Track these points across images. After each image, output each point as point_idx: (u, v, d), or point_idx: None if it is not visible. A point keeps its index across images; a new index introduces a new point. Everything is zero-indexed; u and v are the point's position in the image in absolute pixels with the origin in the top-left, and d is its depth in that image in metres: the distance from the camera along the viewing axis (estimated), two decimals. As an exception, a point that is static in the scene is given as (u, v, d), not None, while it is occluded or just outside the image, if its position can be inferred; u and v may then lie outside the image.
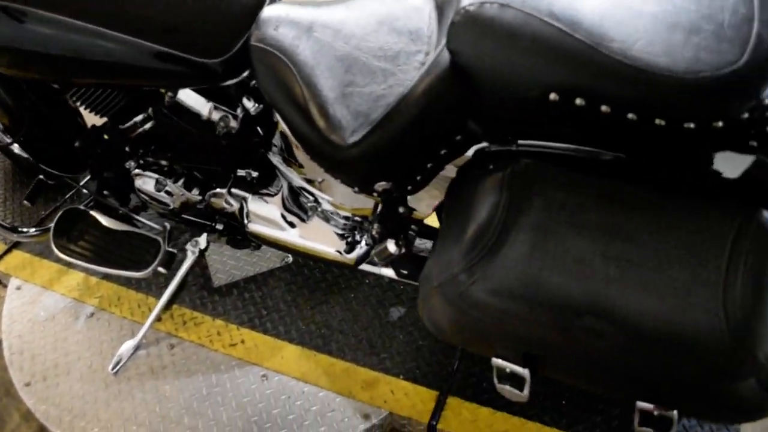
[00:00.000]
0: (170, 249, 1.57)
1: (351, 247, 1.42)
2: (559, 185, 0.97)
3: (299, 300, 1.70)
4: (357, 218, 1.41)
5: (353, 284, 1.73)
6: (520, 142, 1.03)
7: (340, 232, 1.44)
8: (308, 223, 1.44)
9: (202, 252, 1.60)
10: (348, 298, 1.70)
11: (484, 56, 0.93)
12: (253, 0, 1.27)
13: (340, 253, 1.42)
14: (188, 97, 1.32)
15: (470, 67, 0.95)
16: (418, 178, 1.13)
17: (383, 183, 1.14)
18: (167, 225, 1.61)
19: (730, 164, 0.95)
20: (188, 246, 1.60)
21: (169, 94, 1.32)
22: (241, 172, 1.47)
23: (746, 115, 0.86)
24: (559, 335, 0.93)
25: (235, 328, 1.66)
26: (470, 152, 1.10)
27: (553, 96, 0.90)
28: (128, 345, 1.60)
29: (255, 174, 1.45)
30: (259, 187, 1.46)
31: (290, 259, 1.80)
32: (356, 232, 1.42)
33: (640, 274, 0.91)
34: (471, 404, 1.48)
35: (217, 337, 1.64)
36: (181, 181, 1.52)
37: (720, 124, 0.86)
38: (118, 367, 1.59)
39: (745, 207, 0.92)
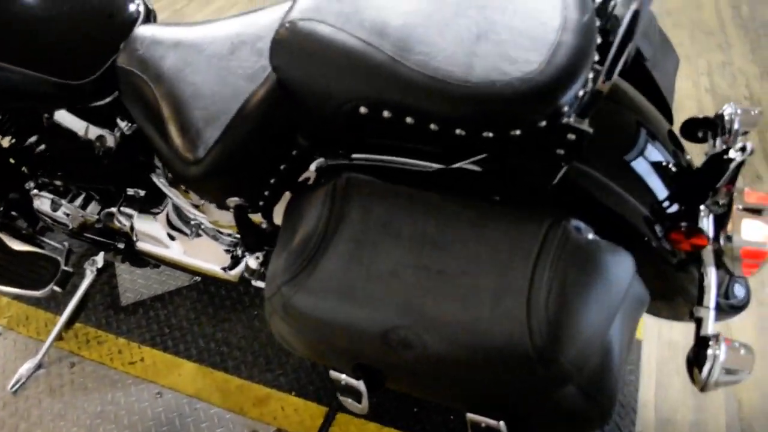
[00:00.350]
0: (67, 268, 1.58)
1: (235, 263, 1.43)
2: (377, 197, 0.98)
3: (202, 318, 1.71)
4: (238, 235, 1.42)
5: (257, 302, 1.74)
6: (354, 156, 1.05)
7: (226, 248, 1.45)
8: (194, 241, 1.46)
9: (100, 271, 1.62)
10: (251, 316, 1.71)
11: (301, 72, 0.95)
12: (123, 21, 1.30)
13: (224, 270, 1.43)
14: (63, 118, 1.35)
15: (289, 83, 0.97)
16: (266, 193, 1.15)
17: (235, 198, 1.15)
18: (66, 244, 1.63)
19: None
20: (86, 265, 1.62)
21: (46, 115, 1.35)
22: (130, 191, 1.49)
23: (544, 124, 0.86)
24: (378, 347, 0.93)
25: (136, 346, 1.67)
26: (313, 167, 1.11)
27: (363, 109, 0.91)
28: (28, 364, 1.61)
29: (143, 193, 1.47)
30: (147, 205, 1.48)
31: (199, 277, 1.81)
32: (239, 249, 1.43)
33: (450, 284, 0.91)
34: (359, 420, 1.47)
35: (118, 356, 1.65)
36: (77, 201, 1.54)
37: (518, 132, 0.87)
38: (17, 386, 1.59)
39: (553, 213, 0.93)
